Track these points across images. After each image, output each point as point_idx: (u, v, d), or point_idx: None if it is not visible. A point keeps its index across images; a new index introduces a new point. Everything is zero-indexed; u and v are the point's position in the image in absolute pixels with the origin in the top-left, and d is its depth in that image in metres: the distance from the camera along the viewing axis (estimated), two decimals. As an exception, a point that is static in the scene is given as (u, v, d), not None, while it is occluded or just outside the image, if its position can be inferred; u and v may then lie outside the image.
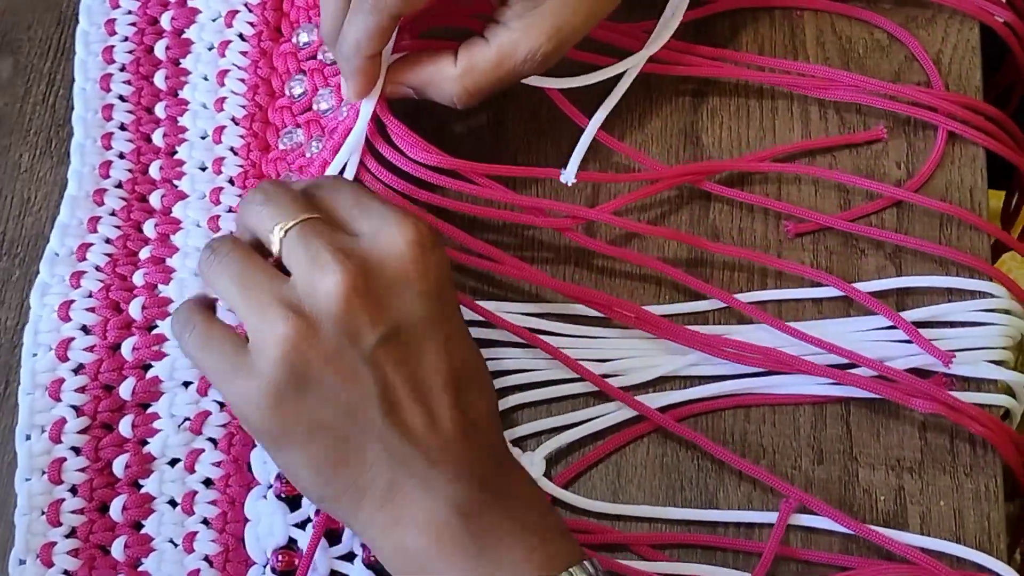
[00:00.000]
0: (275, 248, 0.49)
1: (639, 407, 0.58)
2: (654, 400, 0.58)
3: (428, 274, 0.47)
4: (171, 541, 0.57)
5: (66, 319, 0.60)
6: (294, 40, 0.65)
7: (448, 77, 0.57)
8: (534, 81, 0.60)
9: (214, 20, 0.66)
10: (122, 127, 0.65)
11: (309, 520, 0.56)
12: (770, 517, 0.57)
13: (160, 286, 0.60)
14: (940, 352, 0.57)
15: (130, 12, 0.67)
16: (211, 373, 0.51)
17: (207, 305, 0.53)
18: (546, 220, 0.61)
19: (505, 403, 0.58)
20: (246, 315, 0.48)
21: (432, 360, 0.48)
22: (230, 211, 0.62)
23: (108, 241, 0.62)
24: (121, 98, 0.65)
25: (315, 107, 0.63)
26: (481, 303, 0.59)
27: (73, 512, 0.57)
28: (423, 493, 0.48)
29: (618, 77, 0.62)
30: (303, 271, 0.48)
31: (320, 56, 0.64)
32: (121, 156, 0.64)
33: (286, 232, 0.49)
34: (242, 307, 0.49)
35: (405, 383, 0.47)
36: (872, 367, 0.58)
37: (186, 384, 0.59)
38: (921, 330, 0.59)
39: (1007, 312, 0.60)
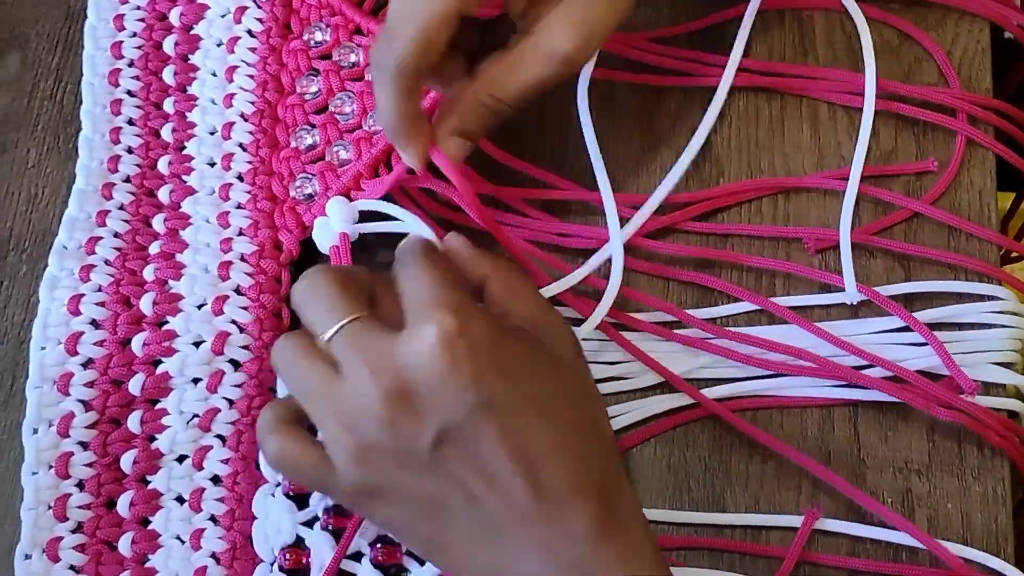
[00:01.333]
0: (324, 351, 0.49)
1: (701, 398, 0.59)
2: (664, 403, 0.59)
3: (461, 368, 0.46)
4: (178, 538, 0.57)
5: (76, 313, 0.60)
6: (305, 37, 0.65)
7: (480, 103, 0.56)
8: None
9: (223, 16, 0.66)
10: (130, 122, 0.65)
11: (317, 518, 0.56)
12: (779, 520, 0.57)
13: (171, 282, 0.60)
14: (967, 379, 0.57)
15: (139, 7, 0.67)
16: (302, 483, 0.55)
17: (290, 416, 0.51)
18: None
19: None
20: (315, 422, 0.49)
21: (494, 449, 0.46)
22: (239, 207, 0.62)
23: (117, 235, 0.62)
24: (130, 93, 0.65)
25: (332, 108, 0.63)
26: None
27: (80, 507, 0.57)
28: (513, 564, 0.47)
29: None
30: (347, 384, 0.47)
31: (335, 56, 0.64)
32: (129, 151, 0.64)
33: (329, 340, 0.48)
34: (310, 415, 0.49)
35: (475, 475, 0.47)
36: (888, 367, 0.58)
37: (195, 381, 0.59)
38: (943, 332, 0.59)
39: (1015, 315, 0.60)
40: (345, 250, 0.59)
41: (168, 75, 0.65)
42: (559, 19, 0.55)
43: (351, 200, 0.61)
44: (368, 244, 0.61)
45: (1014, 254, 0.63)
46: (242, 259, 0.61)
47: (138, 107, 0.65)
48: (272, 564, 0.56)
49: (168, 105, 0.65)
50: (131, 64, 0.66)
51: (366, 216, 0.60)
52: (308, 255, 0.62)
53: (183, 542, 0.57)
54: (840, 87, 0.64)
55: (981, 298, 0.60)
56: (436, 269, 0.49)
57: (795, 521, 0.56)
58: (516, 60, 0.55)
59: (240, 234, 0.62)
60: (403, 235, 0.59)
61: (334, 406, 0.48)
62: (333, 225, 0.60)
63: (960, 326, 0.60)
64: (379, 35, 0.55)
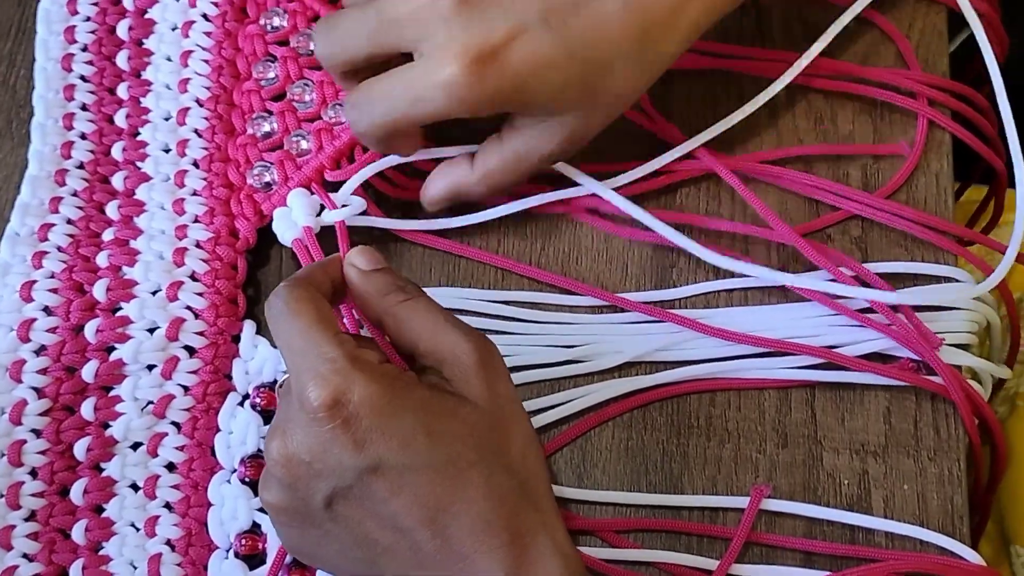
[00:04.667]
0: None
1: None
2: (620, 385, 0.58)
3: (342, 437, 0.46)
4: (133, 525, 0.56)
5: (28, 300, 0.59)
6: (262, 22, 0.64)
7: (471, 184, 0.59)
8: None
9: (177, 0, 0.65)
10: (84, 107, 0.64)
11: (273, 504, 0.56)
12: (735, 502, 0.57)
13: (124, 268, 0.60)
14: (931, 334, 0.57)
15: (92, -9, 0.66)
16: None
17: None
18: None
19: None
20: None
21: (389, 505, 0.47)
22: (194, 194, 0.62)
23: (70, 222, 0.61)
24: (83, 78, 0.65)
25: (290, 96, 0.63)
26: (445, 290, 0.60)
27: (33, 495, 0.56)
28: None
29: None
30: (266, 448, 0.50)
31: (293, 43, 0.64)
32: (83, 137, 0.63)
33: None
34: None
35: (377, 528, 0.47)
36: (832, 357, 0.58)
37: (150, 367, 0.58)
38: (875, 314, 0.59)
39: (973, 297, 0.60)
40: (312, 243, 0.59)
41: (122, 60, 0.65)
42: (548, 130, 0.56)
43: (311, 192, 0.60)
44: (329, 236, 0.60)
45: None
46: (197, 246, 0.60)
47: (91, 92, 0.64)
48: (228, 550, 0.56)
49: (122, 90, 0.64)
50: (84, 49, 0.65)
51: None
52: (264, 242, 0.62)
53: (137, 529, 0.56)
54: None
55: (939, 280, 0.60)
56: (307, 322, 0.48)
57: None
58: (517, 160, 0.58)
59: (196, 221, 0.61)
60: (363, 228, 0.60)
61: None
62: (296, 218, 0.60)
63: (918, 308, 0.60)
64: (361, 88, 0.56)
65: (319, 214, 0.60)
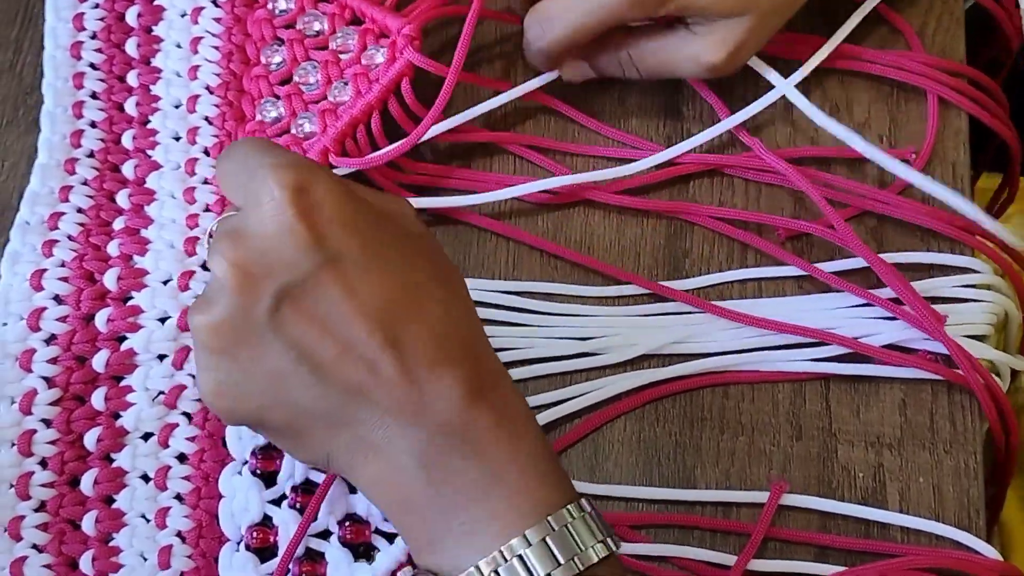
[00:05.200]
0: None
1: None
2: (633, 379, 0.58)
3: (303, 223, 0.44)
4: (143, 516, 0.56)
5: (38, 288, 0.59)
6: (269, 7, 0.64)
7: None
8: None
9: (187, -14, 0.65)
10: (93, 95, 0.64)
11: (285, 497, 0.56)
12: (749, 496, 0.56)
13: (136, 257, 0.60)
14: (936, 312, 0.57)
15: (101, -22, 0.65)
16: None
17: None
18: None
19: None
20: None
21: (341, 307, 0.44)
22: (205, 183, 0.61)
23: (80, 211, 0.61)
24: (92, 66, 0.64)
25: (296, 79, 0.62)
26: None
27: (43, 486, 0.56)
28: (383, 444, 0.46)
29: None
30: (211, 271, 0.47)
31: (299, 25, 0.63)
32: (93, 125, 0.63)
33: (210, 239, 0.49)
34: None
35: (321, 338, 0.45)
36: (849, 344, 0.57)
37: (161, 357, 0.58)
38: (901, 307, 0.58)
39: (989, 288, 0.59)
40: None
41: (131, 47, 0.64)
42: (718, 32, 0.59)
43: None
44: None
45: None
46: (209, 235, 0.60)
47: (101, 80, 0.64)
48: (239, 543, 0.55)
49: (132, 78, 0.64)
50: (94, 36, 0.65)
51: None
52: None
53: (148, 521, 0.56)
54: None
55: (955, 270, 0.60)
56: (264, 142, 0.48)
57: (764, 497, 0.56)
58: (668, 48, 0.60)
59: (207, 210, 0.61)
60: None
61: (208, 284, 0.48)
62: None
63: (934, 300, 0.59)
64: (537, 8, 0.60)
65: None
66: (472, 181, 0.62)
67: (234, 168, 0.47)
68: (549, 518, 0.45)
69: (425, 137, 0.60)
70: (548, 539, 0.44)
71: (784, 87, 0.61)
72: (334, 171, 0.52)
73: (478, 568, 0.44)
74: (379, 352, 0.44)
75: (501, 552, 0.44)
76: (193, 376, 0.58)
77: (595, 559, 0.45)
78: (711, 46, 0.59)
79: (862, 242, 0.59)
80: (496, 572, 0.44)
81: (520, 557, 0.44)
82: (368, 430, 0.45)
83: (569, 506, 0.45)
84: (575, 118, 0.63)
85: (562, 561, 0.44)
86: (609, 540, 0.46)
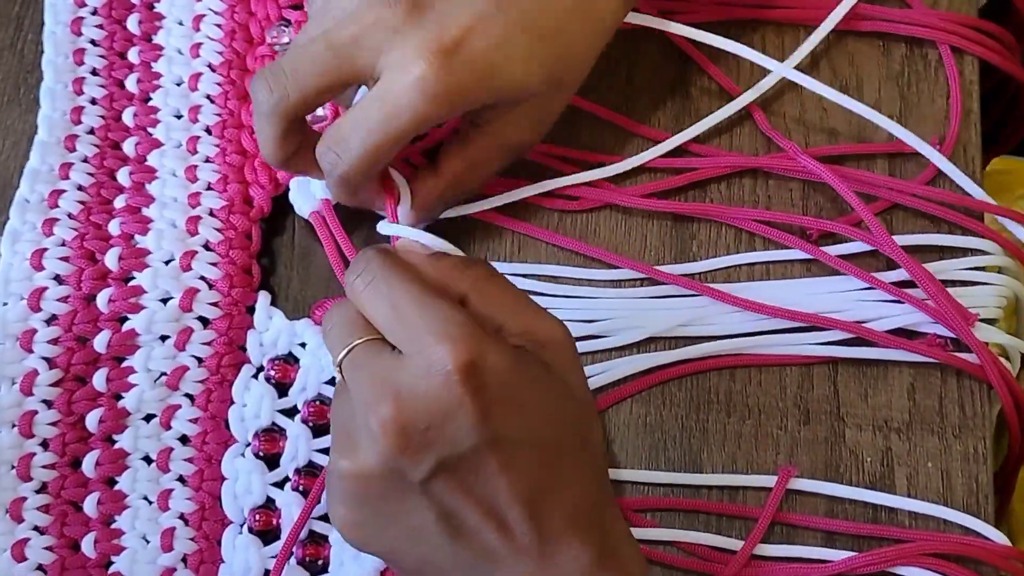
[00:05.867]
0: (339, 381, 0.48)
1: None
2: (640, 361, 0.58)
3: (471, 403, 0.44)
4: (145, 498, 0.56)
5: (39, 268, 0.58)
6: (275, -15, 0.63)
7: (436, 192, 0.57)
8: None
9: (189, -37, 0.64)
10: (94, 72, 0.63)
11: (287, 479, 0.56)
12: (756, 480, 0.56)
13: (137, 236, 0.59)
14: (965, 311, 0.57)
15: (102, -46, 0.65)
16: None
17: None
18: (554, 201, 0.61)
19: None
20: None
21: (493, 484, 0.45)
22: (207, 161, 0.61)
23: (81, 188, 0.60)
24: (93, 42, 0.63)
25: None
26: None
27: (44, 467, 0.55)
28: None
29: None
30: (355, 409, 0.46)
31: (307, 7, 0.62)
32: (93, 102, 0.62)
33: (339, 366, 0.47)
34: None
35: (467, 508, 0.45)
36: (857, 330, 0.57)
37: (163, 338, 0.58)
38: (911, 289, 0.58)
39: (1000, 270, 0.59)
40: (331, 217, 0.58)
41: (132, 23, 0.64)
42: (517, 118, 0.55)
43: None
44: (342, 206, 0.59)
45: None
46: (211, 214, 0.60)
47: (102, 56, 0.63)
48: (241, 525, 0.55)
49: (133, 55, 0.63)
50: (94, 12, 0.64)
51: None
52: (279, 211, 0.61)
53: (150, 503, 0.56)
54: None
55: (965, 252, 0.59)
56: (420, 287, 0.46)
57: (771, 481, 0.56)
58: (478, 157, 0.57)
59: (209, 188, 0.60)
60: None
61: (345, 427, 0.47)
62: (314, 190, 0.59)
63: (944, 283, 0.58)
64: (327, 134, 0.53)
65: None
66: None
67: (381, 298, 0.46)
68: None
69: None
70: None
71: (782, 70, 0.60)
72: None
73: None
74: (519, 524, 0.45)
75: None
76: (196, 358, 0.57)
77: None
78: (516, 132, 0.56)
79: (897, 245, 0.58)
80: None
81: None
82: None
83: None
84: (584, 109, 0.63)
85: None
86: None
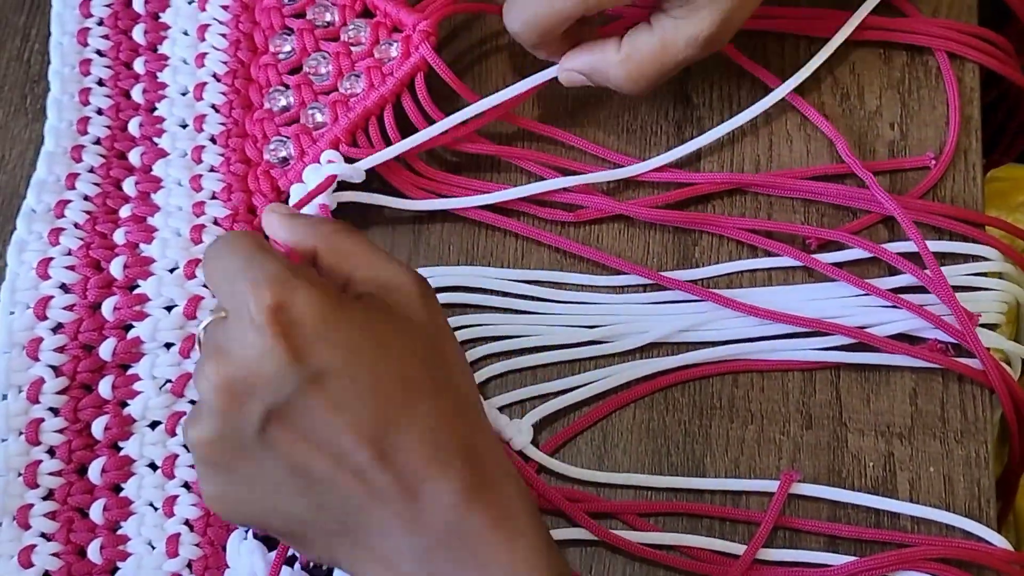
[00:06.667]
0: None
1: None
2: (643, 367, 0.58)
3: (283, 344, 0.44)
4: (151, 504, 0.56)
5: (45, 277, 0.58)
6: (279, -5, 0.64)
7: (612, 64, 0.58)
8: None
9: (194, -27, 0.65)
10: (100, 83, 0.63)
11: (292, 484, 0.56)
12: (759, 485, 0.56)
13: (142, 245, 0.59)
14: (968, 312, 0.57)
15: (108, -35, 0.65)
16: None
17: None
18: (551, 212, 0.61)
19: (491, 371, 0.58)
20: None
21: (328, 423, 0.44)
22: (212, 170, 0.61)
23: (87, 198, 0.60)
24: (99, 53, 0.64)
25: (307, 69, 0.62)
26: (464, 268, 0.59)
27: (51, 474, 0.56)
28: (386, 549, 0.46)
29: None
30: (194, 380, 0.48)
31: (310, 15, 0.63)
32: (99, 112, 0.63)
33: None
34: None
35: (312, 455, 0.45)
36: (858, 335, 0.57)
37: (168, 345, 0.58)
38: (911, 295, 0.58)
39: (1001, 276, 0.59)
40: None
41: (138, 34, 0.64)
42: (703, 8, 0.56)
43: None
44: (348, 213, 0.60)
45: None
46: (215, 223, 0.60)
47: (108, 67, 0.63)
48: (246, 531, 0.55)
49: (138, 65, 0.63)
50: (100, 22, 0.64)
51: (345, 184, 0.60)
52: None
53: (156, 509, 0.56)
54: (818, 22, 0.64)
55: (966, 258, 0.59)
56: (247, 247, 0.47)
57: (774, 486, 0.56)
58: (664, 45, 0.57)
59: (213, 198, 0.61)
60: (382, 207, 0.59)
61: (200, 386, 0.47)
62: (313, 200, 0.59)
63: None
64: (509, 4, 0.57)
65: (336, 190, 0.59)
66: (480, 190, 0.61)
67: (218, 272, 0.48)
68: None
69: (439, 130, 0.60)
70: None
71: (781, 92, 0.61)
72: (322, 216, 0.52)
73: None
74: (370, 466, 0.44)
75: None
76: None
77: None
78: (702, 20, 0.56)
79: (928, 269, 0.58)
80: None
81: None
82: (369, 539, 0.46)
83: None
84: (572, 143, 0.63)
85: None
86: None
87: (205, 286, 0.58)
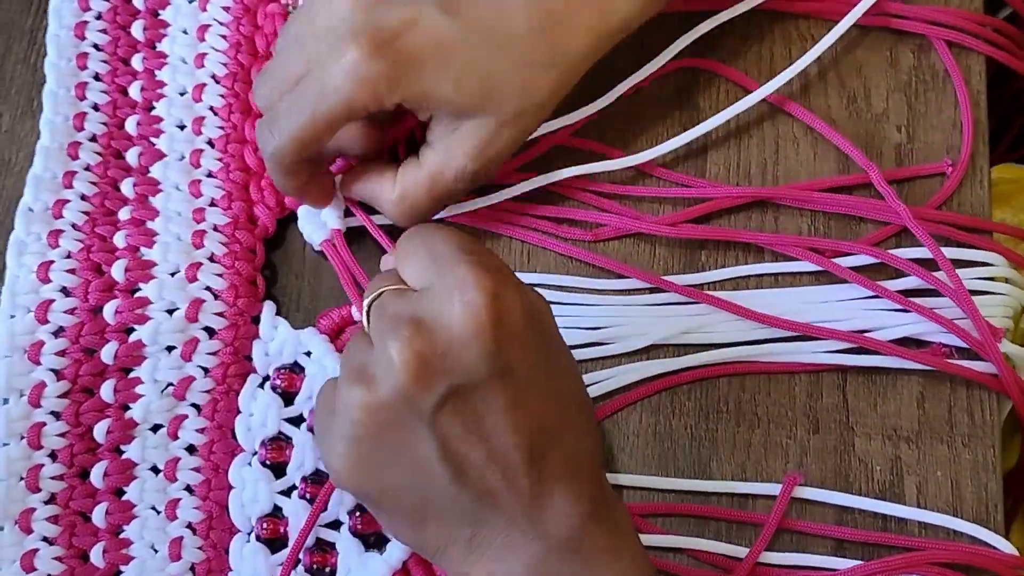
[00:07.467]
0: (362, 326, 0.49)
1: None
2: (647, 368, 0.58)
3: (489, 332, 0.45)
4: (153, 508, 0.56)
5: (45, 280, 0.58)
6: (283, 1, 0.63)
7: (387, 201, 0.58)
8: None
9: (196, -30, 0.64)
10: (97, 77, 0.63)
11: (294, 487, 0.56)
12: (765, 488, 0.56)
13: (143, 248, 0.59)
14: (992, 327, 0.57)
15: (107, -39, 0.64)
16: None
17: None
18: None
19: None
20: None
21: (500, 420, 0.46)
22: (210, 176, 0.60)
23: (84, 198, 0.60)
24: (96, 47, 0.63)
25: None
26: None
27: (53, 478, 0.55)
28: (501, 549, 0.47)
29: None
30: (374, 344, 0.47)
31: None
32: (96, 108, 0.62)
33: (366, 313, 0.49)
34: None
35: (473, 443, 0.46)
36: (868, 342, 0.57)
37: (169, 349, 0.57)
38: (918, 299, 0.58)
39: (1007, 281, 0.59)
40: (343, 248, 0.59)
41: (137, 30, 0.63)
42: (458, 139, 0.55)
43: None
44: (357, 235, 0.60)
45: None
46: (215, 229, 0.59)
47: (105, 62, 0.63)
48: (249, 534, 0.55)
49: (136, 61, 0.63)
50: (99, 16, 0.64)
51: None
52: (282, 231, 0.61)
53: (158, 512, 0.56)
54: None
55: (972, 264, 0.59)
56: (464, 238, 0.48)
57: (779, 489, 0.56)
58: (433, 181, 0.56)
59: (212, 205, 0.60)
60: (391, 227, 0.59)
61: (360, 362, 0.47)
62: (324, 218, 0.59)
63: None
64: (265, 115, 0.55)
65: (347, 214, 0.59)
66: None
67: (422, 251, 0.48)
68: None
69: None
70: None
71: (761, 92, 0.61)
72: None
73: None
74: (522, 467, 0.46)
75: None
76: (202, 368, 0.57)
77: None
78: (465, 155, 0.55)
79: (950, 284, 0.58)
80: None
81: None
82: (490, 534, 0.47)
83: None
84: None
85: None
86: None
87: (213, 287, 0.58)
